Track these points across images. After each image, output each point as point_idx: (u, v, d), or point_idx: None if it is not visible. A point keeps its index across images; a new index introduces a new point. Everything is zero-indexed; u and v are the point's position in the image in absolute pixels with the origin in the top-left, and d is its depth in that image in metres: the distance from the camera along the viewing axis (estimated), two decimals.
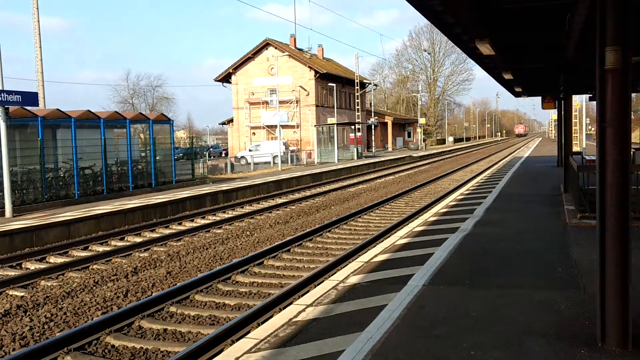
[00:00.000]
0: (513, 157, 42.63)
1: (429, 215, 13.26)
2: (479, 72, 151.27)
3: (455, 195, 17.78)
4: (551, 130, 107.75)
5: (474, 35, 10.42)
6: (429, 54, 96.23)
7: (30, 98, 17.12)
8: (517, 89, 22.92)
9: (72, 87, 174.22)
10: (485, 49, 11.17)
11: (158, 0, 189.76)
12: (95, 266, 11.55)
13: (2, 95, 15.84)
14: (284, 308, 7.18)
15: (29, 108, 18.22)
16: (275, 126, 45.67)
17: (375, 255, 8.96)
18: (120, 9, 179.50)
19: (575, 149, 31.47)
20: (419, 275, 7.45)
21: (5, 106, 16.01)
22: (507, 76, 16.81)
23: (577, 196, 11.93)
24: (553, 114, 71.83)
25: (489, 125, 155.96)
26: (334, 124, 46.33)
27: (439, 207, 14.71)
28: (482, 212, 13.06)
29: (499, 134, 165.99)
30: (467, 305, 6.20)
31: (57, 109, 20.17)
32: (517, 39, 11.42)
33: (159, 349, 6.95)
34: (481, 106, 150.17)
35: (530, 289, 6.73)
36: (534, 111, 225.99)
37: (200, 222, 17.09)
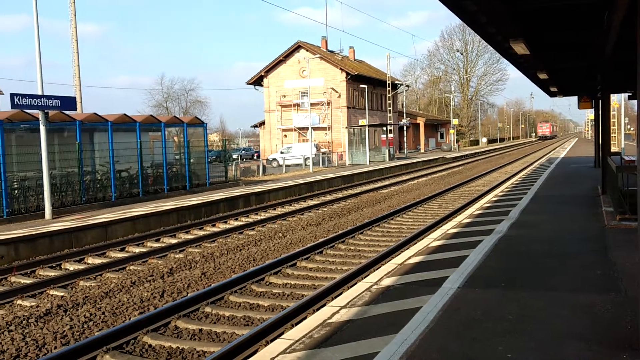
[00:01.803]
0: (548, 158, 41.90)
1: (463, 217, 13.13)
2: (512, 72, 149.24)
3: (490, 197, 17.57)
4: (587, 131, 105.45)
5: (508, 35, 10.29)
6: (462, 54, 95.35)
7: (69, 103, 17.53)
8: (553, 89, 22.53)
9: (108, 91, 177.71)
10: (520, 49, 11.02)
11: (189, 5, 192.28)
12: (132, 267, 11.77)
13: (42, 100, 16.26)
14: (318, 309, 7.20)
15: (67, 112, 18.66)
16: (307, 128, 45.81)
17: (409, 258, 8.92)
18: (153, 15, 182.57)
19: (614, 149, 30.76)
20: (453, 278, 7.39)
21: (45, 111, 16.43)
22: (542, 76, 16.55)
23: (616, 197, 11.67)
24: (590, 113, 70.37)
25: (523, 126, 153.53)
26: (365, 125, 46.24)
27: (473, 209, 14.55)
28: (518, 213, 12.87)
29: (534, 134, 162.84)
30: (503, 307, 6.12)
31: (94, 113, 20.60)
32: (552, 38, 11.24)
33: (195, 349, 7.05)
34: (515, 106, 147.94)
35: (568, 292, 6.61)
36: (570, 111, 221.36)
37: (233, 223, 17.26)
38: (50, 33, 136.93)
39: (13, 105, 15.84)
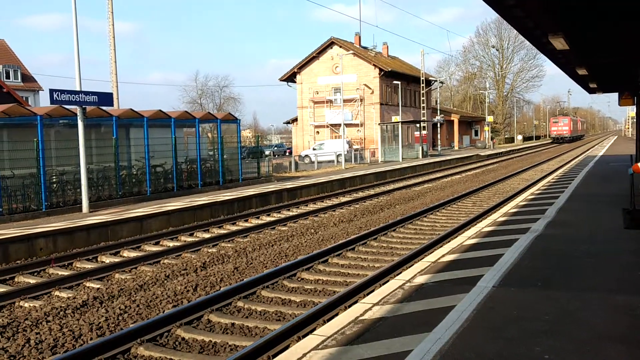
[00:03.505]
0: (586, 156, 40.97)
1: (498, 216, 12.92)
2: (549, 69, 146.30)
3: (525, 195, 17.25)
4: (628, 128, 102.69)
5: (546, 29, 10.09)
6: (497, 50, 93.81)
7: (106, 98, 17.84)
8: (592, 85, 22.03)
9: (144, 87, 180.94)
10: (559, 44, 10.79)
11: (224, 3, 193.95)
12: (166, 260, 11.92)
13: (80, 95, 16.57)
14: (350, 306, 7.16)
15: (104, 108, 18.99)
16: (339, 125, 45.73)
17: (443, 256, 8.81)
18: (188, 13, 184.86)
19: None
20: (488, 276, 7.26)
21: (83, 106, 16.74)
22: (582, 72, 16.19)
23: None
24: (631, 111, 68.46)
25: None
26: (398, 122, 45.93)
27: (509, 207, 14.30)
28: (554, 212, 12.60)
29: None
30: (539, 307, 5.99)
31: (131, 109, 20.92)
32: (593, 33, 10.95)
33: (227, 343, 7.09)
34: (552, 103, 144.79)
35: (608, 293, 6.43)
36: (609, 108, 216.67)
37: (265, 219, 17.34)
38: (87, 31, 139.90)
39: (52, 101, 16.20)
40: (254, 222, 16.88)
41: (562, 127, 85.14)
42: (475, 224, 13.01)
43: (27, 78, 59.36)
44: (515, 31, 11.67)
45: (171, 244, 13.90)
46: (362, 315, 6.02)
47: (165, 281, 10.18)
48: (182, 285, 9.74)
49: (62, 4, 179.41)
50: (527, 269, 7.65)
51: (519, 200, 15.85)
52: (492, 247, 9.11)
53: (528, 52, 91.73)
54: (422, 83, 56.66)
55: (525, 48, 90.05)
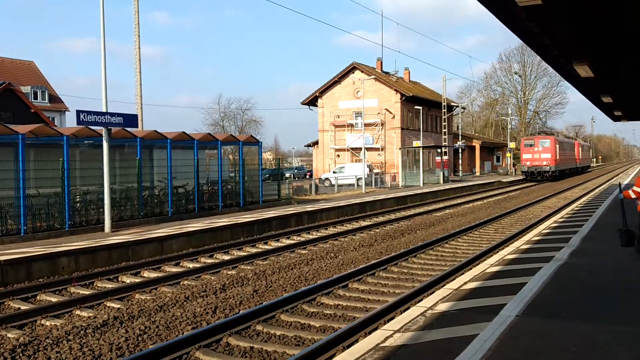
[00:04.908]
0: (611, 184, 40.37)
1: (520, 243, 12.74)
2: (572, 95, 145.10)
3: (549, 222, 17.02)
4: None
5: (572, 57, 10.05)
6: (520, 76, 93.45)
7: (131, 120, 18.07)
8: (617, 113, 21.84)
9: (169, 109, 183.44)
10: (583, 71, 10.76)
11: (249, 29, 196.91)
12: (186, 282, 11.94)
13: (106, 117, 16.82)
14: (370, 333, 7.08)
15: (128, 129, 19.23)
16: (360, 148, 45.77)
17: (465, 283, 8.69)
18: (214, 38, 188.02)
19: None
20: (511, 305, 7.13)
21: (108, 127, 16.98)
22: (606, 99, 16.07)
23: None
24: None
25: None
26: (419, 147, 45.82)
27: (532, 235, 14.11)
28: (579, 241, 12.40)
29: (594, 159, 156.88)
30: (564, 338, 5.85)
31: (155, 131, 21.16)
32: (619, 60, 10.89)
33: None
34: (575, 131, 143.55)
35: (636, 325, 6.26)
36: (634, 136, 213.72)
37: (285, 242, 17.32)
38: (115, 54, 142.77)
39: (78, 122, 16.44)
40: (273, 244, 16.87)
41: (539, 153, 50.48)
42: (498, 251, 12.85)
43: (54, 99, 60.57)
44: (539, 58, 11.65)
45: (191, 265, 13.93)
46: (382, 342, 5.94)
47: (185, 302, 10.18)
48: (201, 307, 9.73)
49: (91, 28, 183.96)
50: (551, 298, 7.51)
51: (542, 228, 15.63)
52: (515, 276, 8.97)
53: (551, 79, 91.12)
54: (444, 108, 56.58)
55: (549, 75, 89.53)
